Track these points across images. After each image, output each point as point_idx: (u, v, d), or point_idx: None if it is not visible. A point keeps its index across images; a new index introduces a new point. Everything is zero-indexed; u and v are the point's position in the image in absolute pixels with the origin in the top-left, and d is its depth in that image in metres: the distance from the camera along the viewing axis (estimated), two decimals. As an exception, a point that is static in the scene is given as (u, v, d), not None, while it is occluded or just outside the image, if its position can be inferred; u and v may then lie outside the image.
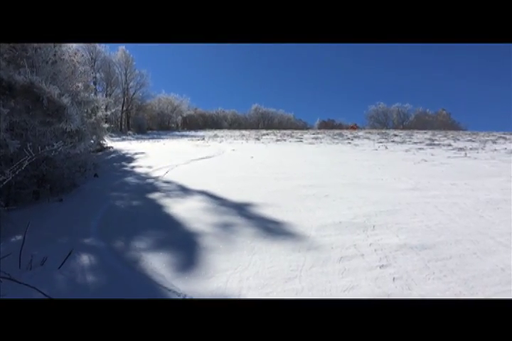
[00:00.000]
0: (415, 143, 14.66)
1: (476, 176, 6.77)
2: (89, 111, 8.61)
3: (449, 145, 13.36)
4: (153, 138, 21.97)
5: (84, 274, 2.97)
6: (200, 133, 27.63)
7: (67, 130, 3.79)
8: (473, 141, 14.67)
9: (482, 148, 11.83)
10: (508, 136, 16.41)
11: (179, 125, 41.13)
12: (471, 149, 11.72)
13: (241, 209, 4.64)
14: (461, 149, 11.78)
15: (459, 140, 15.61)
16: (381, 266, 2.93)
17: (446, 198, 5.00)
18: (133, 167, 8.97)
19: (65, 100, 3.47)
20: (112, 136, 20.64)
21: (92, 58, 31.44)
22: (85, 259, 3.24)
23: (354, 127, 33.24)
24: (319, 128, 45.01)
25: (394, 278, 2.72)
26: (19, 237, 3.58)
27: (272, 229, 3.89)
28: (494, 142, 13.98)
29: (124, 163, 9.67)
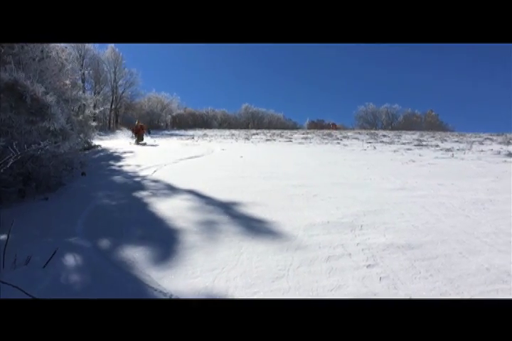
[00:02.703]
0: (403, 143, 14.77)
1: (462, 176, 6.84)
2: (77, 109, 8.53)
3: (437, 145, 13.49)
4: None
5: (69, 273, 2.93)
6: (190, 132, 27.54)
7: (51, 129, 3.74)
8: (460, 142, 14.81)
9: (469, 149, 11.96)
10: (494, 138, 16.61)
11: (168, 124, 40.91)
12: (458, 150, 11.84)
13: (229, 208, 4.63)
14: (448, 150, 11.89)
15: (446, 141, 15.76)
16: (368, 266, 2.94)
17: (433, 198, 5.04)
18: (121, 166, 8.90)
19: (50, 98, 3.42)
20: (100, 135, 20.46)
21: (80, 56, 31.17)
22: (71, 258, 3.20)
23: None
24: (309, 128, 45.11)
25: (380, 278, 2.73)
26: (3, 236, 3.51)
27: (260, 228, 3.88)
28: (481, 143, 14.14)
29: (111, 162, 9.58)
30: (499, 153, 10.66)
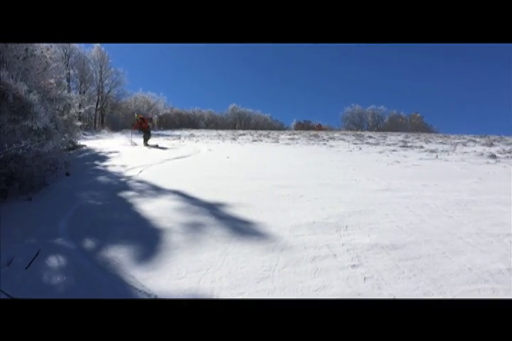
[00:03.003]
0: (389, 144, 14.89)
1: (446, 178, 6.93)
2: (62, 109, 8.41)
3: (421, 147, 13.63)
4: (128, 136, 21.54)
5: (52, 275, 2.89)
6: (177, 132, 27.32)
7: (34, 128, 3.68)
8: (444, 144, 15.00)
9: (453, 151, 12.12)
10: (477, 139, 16.86)
11: (155, 124, 40.62)
12: (442, 151, 11.99)
13: (215, 209, 4.62)
14: (432, 151, 12.03)
15: (430, 142, 15.93)
16: (353, 266, 2.96)
17: (417, 199, 5.10)
18: (106, 166, 8.79)
19: (33, 97, 3.37)
20: (85, 134, 20.18)
21: (65, 54, 30.76)
22: (54, 260, 3.16)
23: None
24: (296, 129, 45.23)
25: (365, 278, 2.76)
26: (-16, 237, 3.46)
27: (246, 229, 3.88)
28: (464, 145, 14.35)
29: (96, 162, 9.46)
30: (482, 154, 10.82)
